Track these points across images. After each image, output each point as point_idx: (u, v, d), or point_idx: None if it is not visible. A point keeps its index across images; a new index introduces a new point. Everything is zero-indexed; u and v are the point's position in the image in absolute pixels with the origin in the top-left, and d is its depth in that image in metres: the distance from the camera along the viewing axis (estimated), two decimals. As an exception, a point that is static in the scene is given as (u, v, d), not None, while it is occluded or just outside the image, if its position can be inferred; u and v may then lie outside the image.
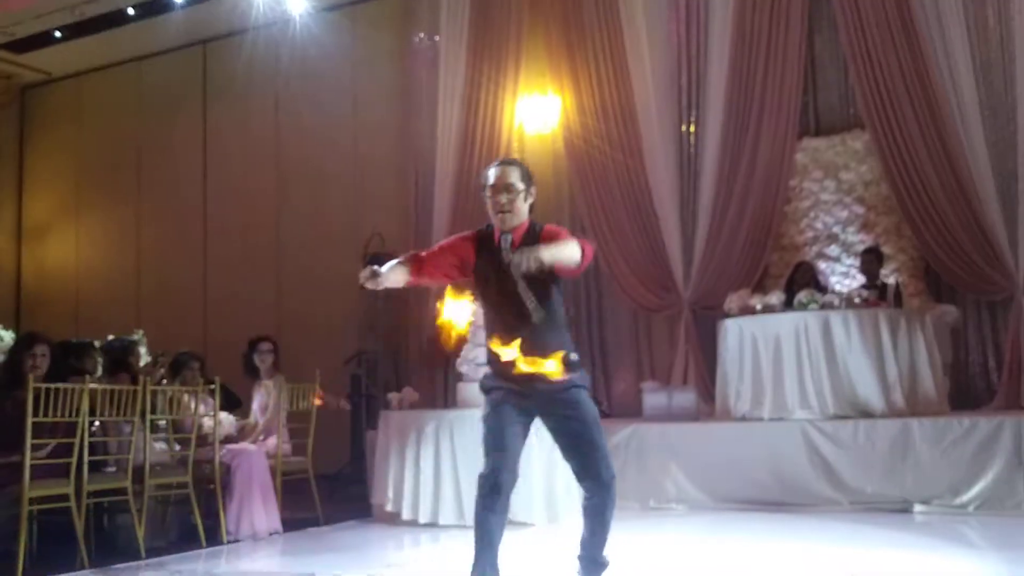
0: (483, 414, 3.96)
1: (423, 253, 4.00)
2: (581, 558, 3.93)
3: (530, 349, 3.77)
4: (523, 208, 3.91)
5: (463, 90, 9.87)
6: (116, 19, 11.32)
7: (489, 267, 3.91)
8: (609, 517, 3.87)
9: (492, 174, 3.94)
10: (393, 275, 3.84)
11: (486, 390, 3.99)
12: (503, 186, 3.87)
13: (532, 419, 3.96)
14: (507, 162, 4.01)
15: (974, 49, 8.07)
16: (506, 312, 3.85)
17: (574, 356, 3.83)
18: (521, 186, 3.89)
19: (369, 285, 3.78)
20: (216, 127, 12.20)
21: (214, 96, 12.20)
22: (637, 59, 9.20)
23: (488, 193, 3.91)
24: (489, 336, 3.94)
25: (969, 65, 8.01)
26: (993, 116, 8.06)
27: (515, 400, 3.88)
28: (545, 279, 3.77)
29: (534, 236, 3.87)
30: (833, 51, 8.92)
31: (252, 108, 11.78)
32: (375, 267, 3.80)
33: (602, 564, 3.93)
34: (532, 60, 9.85)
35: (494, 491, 3.77)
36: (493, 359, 3.93)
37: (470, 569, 3.71)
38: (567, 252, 3.64)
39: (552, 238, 3.77)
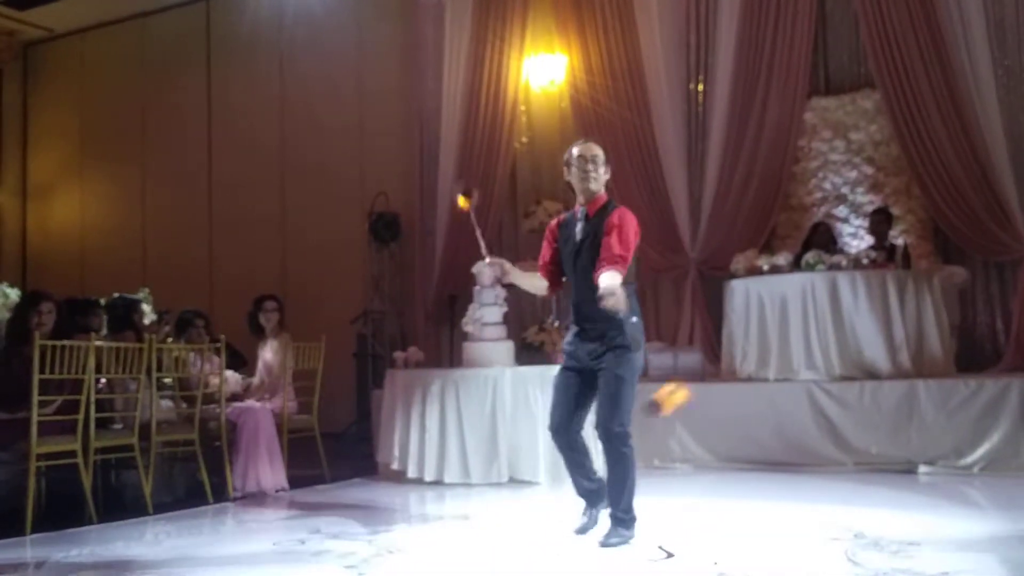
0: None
1: (546, 265, 4.81)
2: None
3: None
4: (603, 179, 4.65)
5: (469, 48, 9.80)
6: (119, -26, 11.27)
7: (566, 237, 4.69)
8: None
9: (578, 148, 4.69)
10: (527, 280, 4.80)
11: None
12: (589, 157, 4.63)
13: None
14: (590, 140, 4.79)
15: (988, 7, 7.98)
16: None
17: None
18: (602, 157, 4.66)
19: (496, 274, 4.89)
20: (221, 84, 12.13)
21: (218, 53, 12.12)
22: (645, 16, 9.10)
23: (576, 163, 4.64)
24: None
25: (983, 23, 7.91)
26: (1006, 75, 7.98)
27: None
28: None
29: (604, 213, 4.57)
30: (844, 9, 8.81)
31: (257, 65, 11.70)
32: (507, 265, 4.74)
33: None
34: (539, 17, 9.76)
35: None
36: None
37: None
38: (614, 276, 4.29)
39: (610, 226, 4.47)
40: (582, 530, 4.70)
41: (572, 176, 4.67)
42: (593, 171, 4.60)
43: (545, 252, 4.82)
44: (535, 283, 4.80)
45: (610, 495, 4.52)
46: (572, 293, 4.68)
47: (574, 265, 4.61)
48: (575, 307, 4.64)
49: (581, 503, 4.78)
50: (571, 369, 4.62)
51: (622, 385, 4.40)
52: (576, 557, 4.36)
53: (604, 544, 4.42)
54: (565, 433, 4.61)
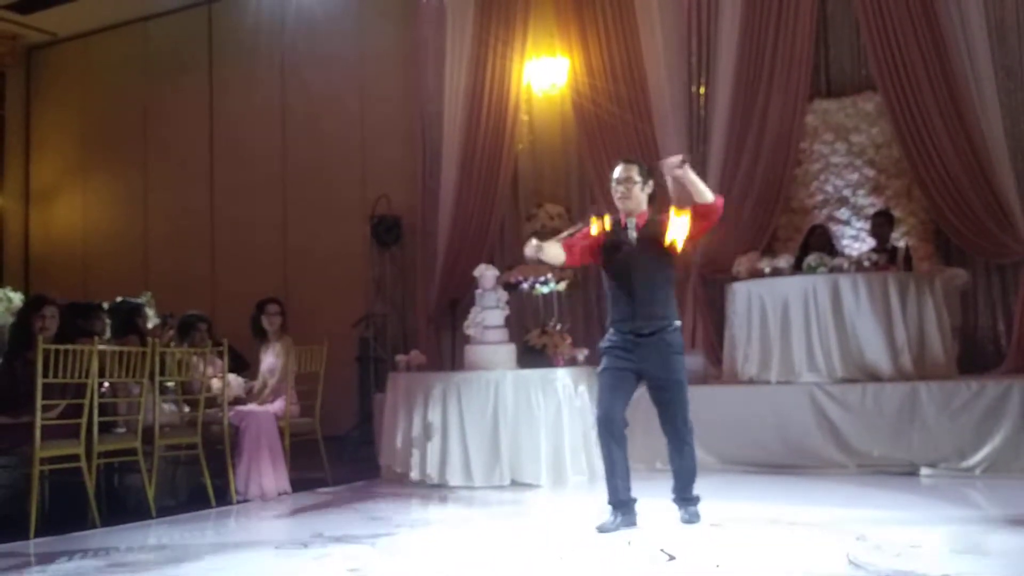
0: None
1: (572, 238, 5.09)
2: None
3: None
4: (641, 198, 5.00)
5: (471, 51, 9.81)
6: (121, -22, 11.31)
7: (613, 245, 5.00)
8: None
9: (617, 170, 5.05)
10: (552, 249, 4.96)
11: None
12: (624, 179, 4.98)
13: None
14: (628, 160, 5.11)
15: (988, 9, 7.98)
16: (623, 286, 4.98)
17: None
18: (638, 179, 4.98)
19: (532, 254, 4.91)
20: (222, 88, 12.16)
21: (220, 57, 12.15)
22: (646, 19, 9.11)
23: (613, 184, 5.04)
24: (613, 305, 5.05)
25: (983, 25, 7.91)
26: (1007, 77, 7.99)
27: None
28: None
29: (655, 224, 4.92)
30: (845, 11, 8.82)
31: (258, 69, 11.71)
32: (536, 240, 4.96)
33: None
34: (540, 20, 9.77)
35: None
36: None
37: None
38: (700, 181, 4.81)
39: (669, 215, 4.83)
40: (605, 529, 4.86)
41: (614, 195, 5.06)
42: (627, 192, 4.97)
43: (583, 239, 5.07)
44: (555, 251, 5.00)
45: (685, 481, 5.09)
46: (622, 297, 4.98)
47: (629, 267, 4.94)
48: (631, 309, 4.94)
49: (609, 507, 5.01)
50: (626, 369, 4.97)
51: (684, 388, 5.02)
52: (579, 559, 4.37)
53: (689, 521, 4.98)
54: (617, 425, 4.97)
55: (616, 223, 5.05)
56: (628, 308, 4.95)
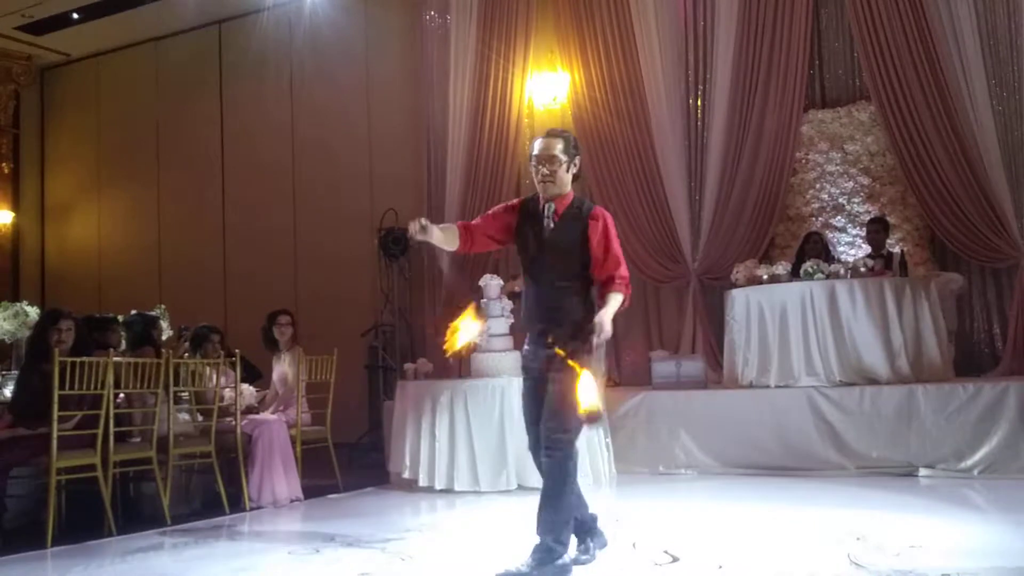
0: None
1: (473, 223, 4.27)
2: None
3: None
4: (565, 179, 4.18)
5: (474, 67, 9.95)
6: (132, 0, 11.43)
7: (530, 232, 4.20)
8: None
9: (537, 145, 4.20)
10: (441, 234, 4.13)
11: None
12: (546, 158, 4.14)
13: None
14: (552, 133, 4.27)
15: (981, 18, 8.05)
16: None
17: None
18: (563, 158, 4.14)
19: (419, 236, 4.03)
20: (232, 106, 12.32)
21: (230, 75, 12.31)
22: (645, 34, 9.24)
23: (532, 163, 4.19)
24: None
25: (975, 34, 7.99)
26: (999, 85, 8.06)
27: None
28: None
29: (578, 214, 4.16)
30: (839, 23, 8.94)
31: (267, 87, 11.89)
32: (424, 220, 4.03)
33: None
34: (541, 36, 9.91)
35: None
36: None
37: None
38: (616, 307, 4.07)
39: (597, 229, 4.10)
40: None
41: (534, 175, 4.23)
42: (550, 176, 4.15)
43: (493, 220, 4.31)
44: (447, 237, 4.19)
45: (549, 511, 4.09)
46: (528, 290, 4.31)
47: (534, 261, 4.22)
48: (531, 306, 4.27)
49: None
50: (533, 377, 4.25)
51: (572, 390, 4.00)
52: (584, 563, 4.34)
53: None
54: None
55: (533, 203, 4.28)
56: (532, 302, 4.28)
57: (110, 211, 13.35)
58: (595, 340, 3.95)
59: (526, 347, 4.31)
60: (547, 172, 4.14)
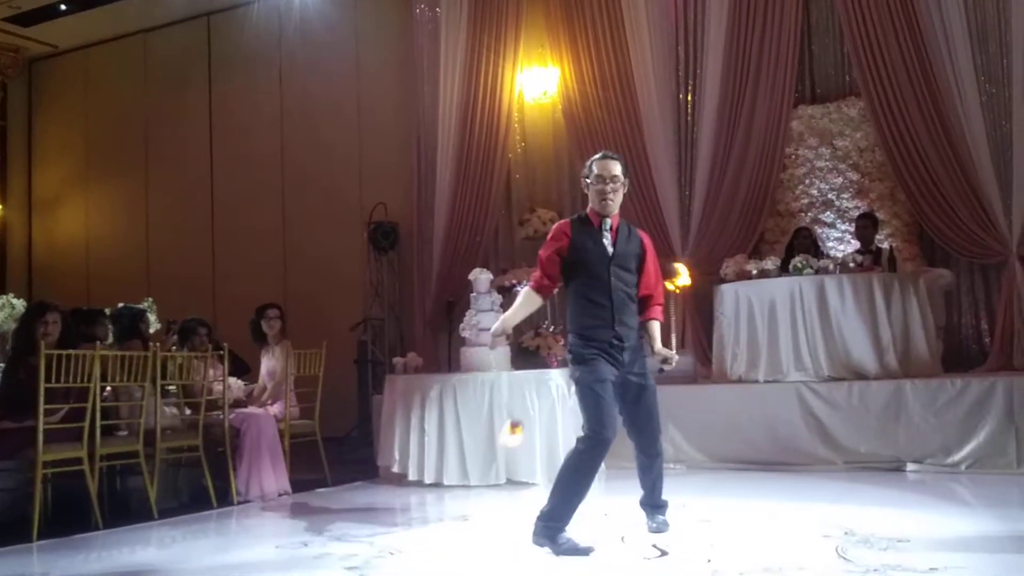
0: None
1: (537, 276, 4.60)
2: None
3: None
4: (620, 199, 4.55)
5: (464, 61, 9.94)
6: (120, -9, 11.42)
7: (592, 247, 4.49)
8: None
9: (598, 165, 4.54)
10: (525, 313, 4.72)
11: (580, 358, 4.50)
12: (610, 177, 4.50)
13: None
14: (610, 156, 4.62)
15: (970, 14, 8.06)
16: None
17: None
18: (623, 179, 4.55)
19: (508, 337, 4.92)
20: (221, 98, 12.28)
21: (219, 68, 12.28)
22: (635, 29, 9.24)
23: (593, 181, 4.52)
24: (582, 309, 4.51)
25: (965, 30, 8.00)
26: (988, 81, 8.06)
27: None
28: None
29: (628, 233, 4.57)
30: (829, 19, 8.95)
31: (256, 79, 11.86)
32: (499, 328, 4.71)
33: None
34: (532, 31, 9.91)
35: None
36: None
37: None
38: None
39: (649, 249, 4.66)
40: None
41: (589, 192, 4.56)
42: (612, 193, 4.49)
43: (552, 264, 4.56)
44: (530, 308, 4.70)
45: (657, 489, 4.83)
46: (586, 300, 4.50)
47: (598, 276, 4.47)
48: (601, 314, 4.47)
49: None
50: (613, 379, 4.48)
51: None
52: (572, 557, 4.38)
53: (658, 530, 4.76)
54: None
55: (584, 221, 4.58)
56: (612, 311, 4.51)
57: (98, 204, 13.31)
58: (667, 367, 4.61)
59: (592, 350, 4.45)
60: (611, 190, 4.48)
